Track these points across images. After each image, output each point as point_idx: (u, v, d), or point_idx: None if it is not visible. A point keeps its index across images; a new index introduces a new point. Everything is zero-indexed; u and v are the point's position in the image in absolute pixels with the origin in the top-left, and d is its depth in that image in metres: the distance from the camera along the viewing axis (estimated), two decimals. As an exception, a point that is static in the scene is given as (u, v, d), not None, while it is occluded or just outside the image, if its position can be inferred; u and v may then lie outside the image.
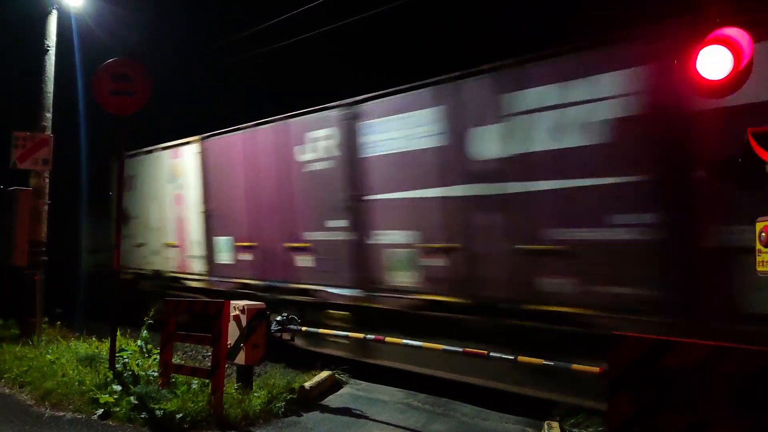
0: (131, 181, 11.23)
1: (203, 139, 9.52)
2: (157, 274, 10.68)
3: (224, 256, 9.06)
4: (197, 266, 9.66)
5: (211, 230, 9.33)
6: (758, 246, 3.75)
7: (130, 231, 11.16)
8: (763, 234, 3.71)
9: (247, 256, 8.65)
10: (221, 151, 9.18)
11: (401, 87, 6.56)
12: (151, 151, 11.02)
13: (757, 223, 3.77)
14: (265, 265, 8.36)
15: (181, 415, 5.14)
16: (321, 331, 6.81)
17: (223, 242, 9.08)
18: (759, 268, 3.76)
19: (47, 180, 8.69)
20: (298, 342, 7.41)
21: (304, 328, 6.82)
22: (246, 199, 8.67)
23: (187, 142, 9.89)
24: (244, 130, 8.72)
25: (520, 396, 5.73)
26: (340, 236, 7.23)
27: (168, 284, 10.27)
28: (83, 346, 7.54)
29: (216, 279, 9.25)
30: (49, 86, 8.76)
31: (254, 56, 11.26)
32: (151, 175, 10.98)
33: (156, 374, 6.05)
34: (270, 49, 10.73)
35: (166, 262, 10.50)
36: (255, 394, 5.81)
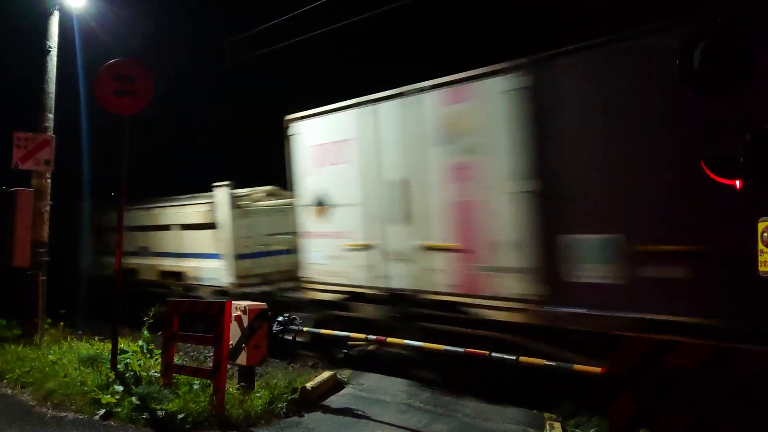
0: (331, 148, 7.84)
1: (535, 63, 5.74)
2: (401, 296, 6.93)
3: (590, 269, 5.51)
4: (508, 285, 6.00)
5: (552, 224, 5.73)
6: (760, 246, 3.74)
7: (330, 226, 7.82)
8: (765, 234, 3.70)
9: (671, 272, 5.03)
10: (596, 79, 5.40)
11: None
12: (390, 97, 7.09)
13: (759, 223, 3.76)
14: (742, 289, 4.50)
15: (182, 415, 5.15)
16: (322, 331, 6.80)
17: (589, 245, 5.52)
18: (761, 268, 3.75)
19: (49, 180, 8.70)
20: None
21: (305, 329, 6.80)
22: (681, 167, 4.90)
23: (485, 74, 6.11)
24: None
25: (522, 393, 5.78)
26: None
27: (424, 312, 6.72)
28: (85, 347, 7.55)
29: (569, 311, 5.53)
30: (51, 87, 8.77)
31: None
32: (390, 136, 7.12)
33: (158, 374, 6.07)
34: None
35: (427, 277, 6.70)
36: (256, 395, 5.81)
